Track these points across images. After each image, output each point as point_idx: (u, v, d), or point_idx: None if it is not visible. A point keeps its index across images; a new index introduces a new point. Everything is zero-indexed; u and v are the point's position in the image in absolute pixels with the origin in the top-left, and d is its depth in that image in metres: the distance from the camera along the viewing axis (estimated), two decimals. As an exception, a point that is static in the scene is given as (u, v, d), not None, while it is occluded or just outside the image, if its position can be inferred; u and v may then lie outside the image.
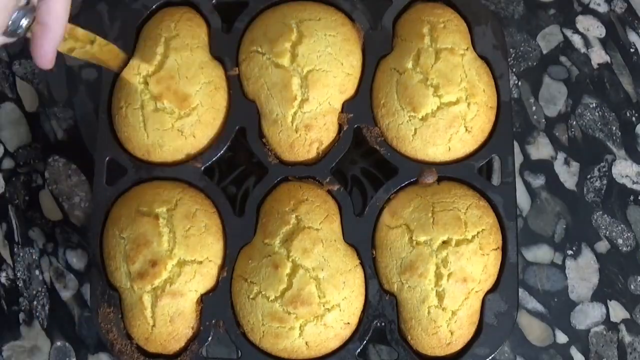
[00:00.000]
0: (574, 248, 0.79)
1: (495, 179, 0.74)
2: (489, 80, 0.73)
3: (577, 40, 0.84)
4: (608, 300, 0.78)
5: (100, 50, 0.67)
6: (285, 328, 0.68)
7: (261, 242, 0.71)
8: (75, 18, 0.85)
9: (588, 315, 0.77)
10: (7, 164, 0.83)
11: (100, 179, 0.73)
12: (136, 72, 0.73)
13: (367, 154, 0.77)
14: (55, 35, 0.56)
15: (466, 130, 0.72)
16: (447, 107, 0.71)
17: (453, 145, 0.72)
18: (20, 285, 0.80)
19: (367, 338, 0.70)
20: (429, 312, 0.68)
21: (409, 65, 0.72)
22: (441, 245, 0.69)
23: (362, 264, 0.71)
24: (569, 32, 0.84)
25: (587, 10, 0.85)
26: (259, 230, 0.72)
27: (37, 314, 0.79)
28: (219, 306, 0.70)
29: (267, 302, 0.68)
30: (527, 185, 0.80)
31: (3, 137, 0.84)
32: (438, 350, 0.69)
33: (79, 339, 0.79)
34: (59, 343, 0.79)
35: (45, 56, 0.56)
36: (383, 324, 0.70)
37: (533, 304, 0.77)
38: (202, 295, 0.70)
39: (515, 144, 0.79)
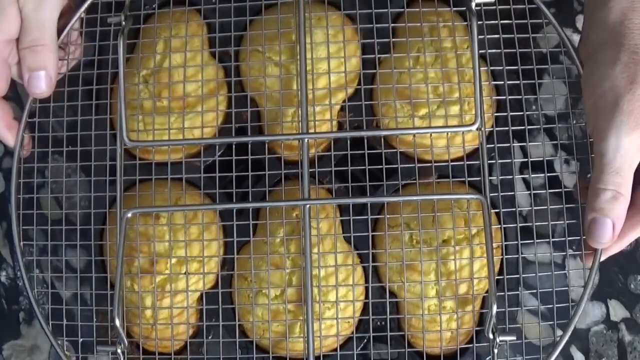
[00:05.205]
0: (573, 247, 0.79)
1: (496, 178, 0.74)
2: (489, 79, 0.73)
3: (577, 40, 0.84)
4: (608, 300, 0.77)
5: None
6: (285, 327, 0.68)
7: (261, 241, 0.71)
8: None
9: (588, 315, 0.77)
10: (7, 163, 0.83)
11: (100, 178, 0.73)
12: (135, 71, 0.73)
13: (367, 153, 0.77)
14: None
15: (466, 129, 0.72)
16: (447, 106, 0.71)
17: (453, 144, 0.72)
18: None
19: (367, 337, 0.70)
20: (429, 311, 0.68)
21: (409, 64, 0.72)
22: (441, 244, 0.69)
23: (362, 262, 0.71)
24: (569, 31, 0.84)
25: (587, 9, 0.85)
26: (258, 230, 0.72)
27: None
28: (219, 305, 0.70)
29: (267, 300, 0.68)
30: (527, 184, 0.80)
31: (3, 136, 0.84)
32: (438, 349, 0.69)
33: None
34: (59, 342, 0.78)
35: None
36: (383, 322, 0.70)
37: (533, 302, 0.77)
38: (202, 294, 0.70)
39: (515, 142, 0.79)
